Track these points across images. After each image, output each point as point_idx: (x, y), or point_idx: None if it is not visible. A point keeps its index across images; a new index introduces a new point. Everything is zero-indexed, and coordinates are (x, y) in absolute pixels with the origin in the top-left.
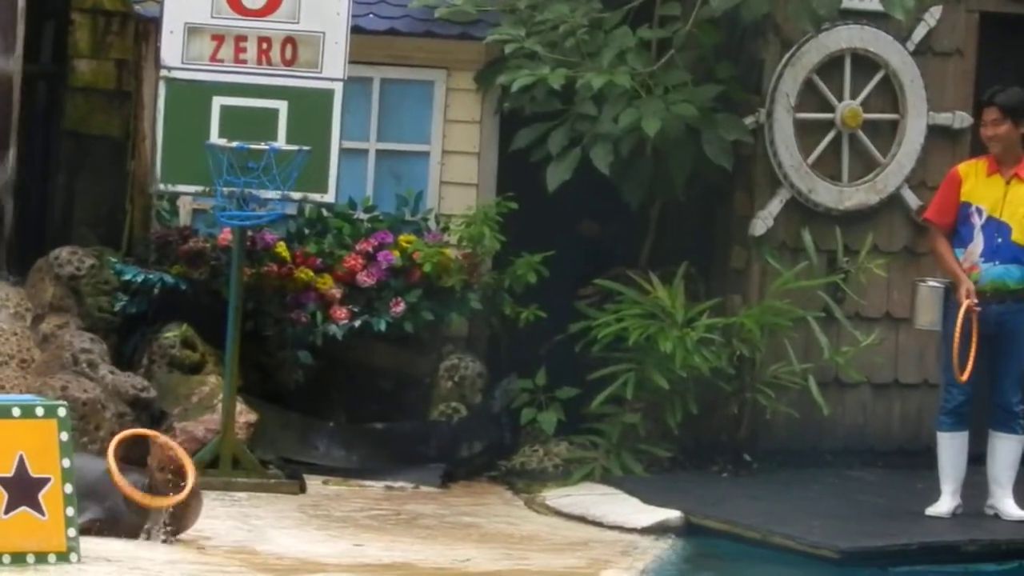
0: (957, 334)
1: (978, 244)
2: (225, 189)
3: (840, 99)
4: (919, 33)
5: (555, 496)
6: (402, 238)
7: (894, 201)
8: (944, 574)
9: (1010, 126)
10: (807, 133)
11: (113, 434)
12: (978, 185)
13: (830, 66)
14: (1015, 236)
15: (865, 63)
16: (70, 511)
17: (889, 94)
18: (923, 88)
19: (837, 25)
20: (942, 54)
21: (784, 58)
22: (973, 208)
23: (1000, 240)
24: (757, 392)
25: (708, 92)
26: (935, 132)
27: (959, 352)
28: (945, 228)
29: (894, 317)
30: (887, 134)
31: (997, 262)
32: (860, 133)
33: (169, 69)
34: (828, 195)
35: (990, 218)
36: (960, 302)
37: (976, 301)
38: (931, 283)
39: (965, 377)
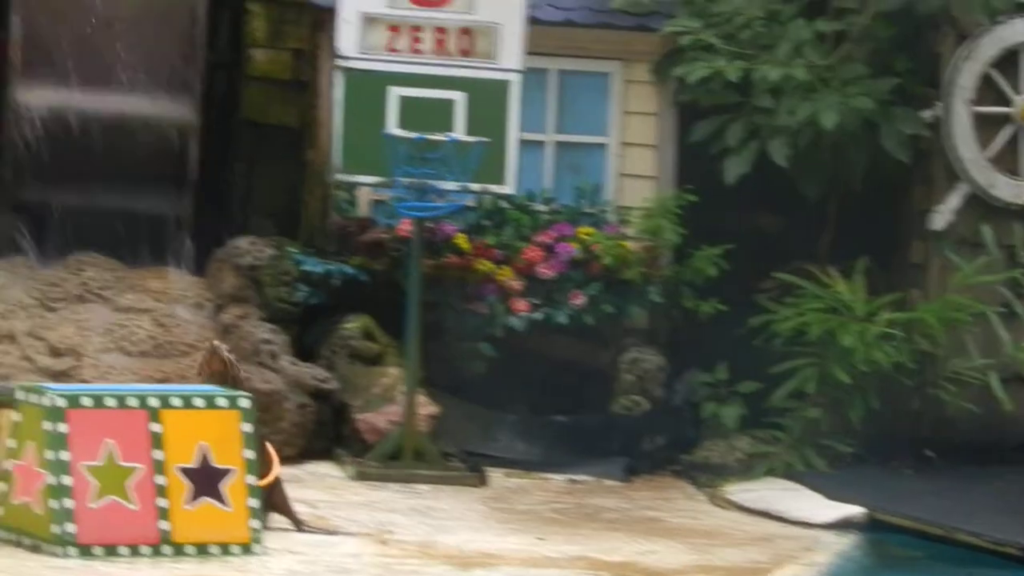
0: None
1: None
2: (404, 180)
3: (1018, 92)
4: None
5: (737, 491)
6: (581, 230)
7: None
8: None
9: None
10: (985, 127)
11: (295, 425)
12: None
13: (1007, 59)
14: None
15: None
16: (253, 502)
17: None
18: None
19: (1014, 18)
20: None
21: (960, 51)
22: None
23: None
24: (938, 388)
25: (885, 85)
26: None
27: None
28: None
29: None
30: None
31: None
32: None
33: (346, 59)
34: (1008, 190)
35: None
36: None
37: None
38: None
39: None
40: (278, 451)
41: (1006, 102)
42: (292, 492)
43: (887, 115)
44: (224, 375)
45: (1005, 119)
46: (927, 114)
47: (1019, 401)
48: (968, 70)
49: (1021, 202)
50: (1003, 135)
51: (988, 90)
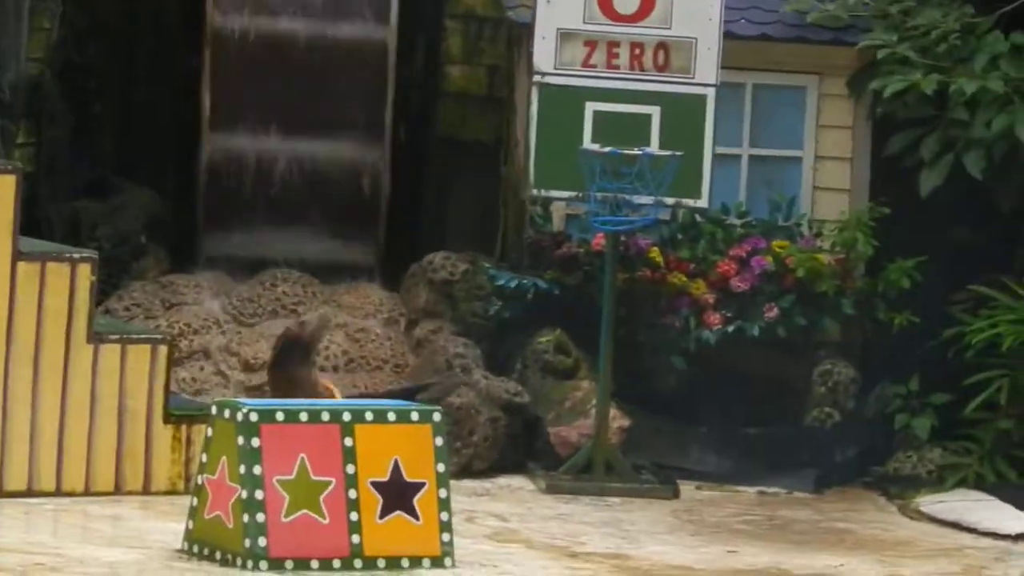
0: None
1: None
2: (599, 194)
3: None
4: None
5: (929, 502)
6: (775, 243)
7: None
8: None
9: None
10: None
11: (487, 439)
12: None
13: None
14: None
15: None
16: (444, 516)
17: None
18: None
19: None
20: None
21: None
22: None
23: None
24: None
25: None
26: None
27: None
28: None
29: None
30: None
31: None
32: None
33: (542, 74)
34: None
35: None
36: None
37: None
38: None
39: None
40: (470, 467)
41: None
42: (484, 506)
43: None
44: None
45: None
46: None
47: None
48: None
49: None
50: None
51: None
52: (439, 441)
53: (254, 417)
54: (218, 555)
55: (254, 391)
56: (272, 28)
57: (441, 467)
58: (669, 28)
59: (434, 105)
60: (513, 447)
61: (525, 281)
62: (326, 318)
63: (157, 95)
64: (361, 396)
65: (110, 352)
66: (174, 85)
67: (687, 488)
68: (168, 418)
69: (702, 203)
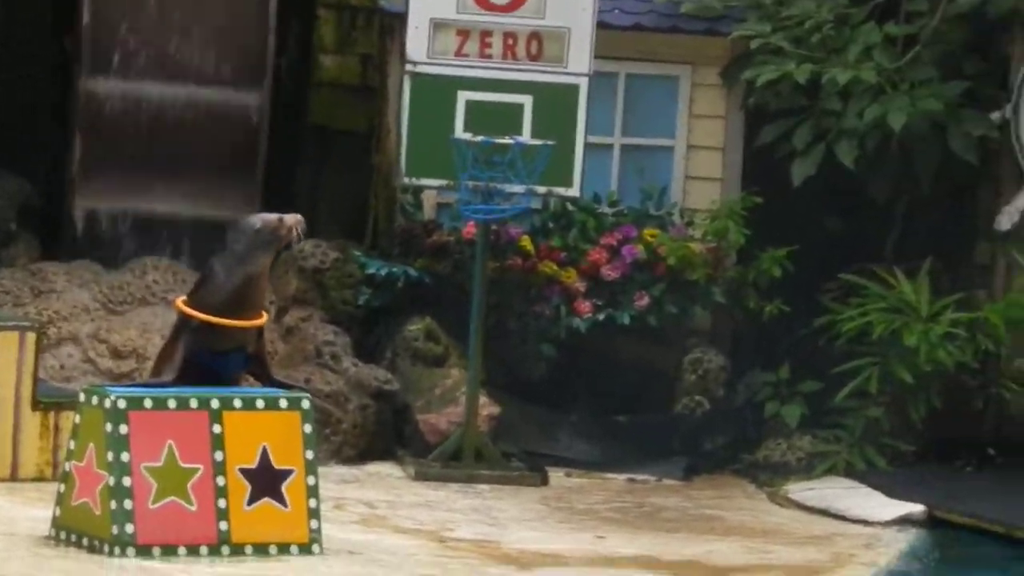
0: None
1: None
2: (470, 183)
3: None
4: None
5: (798, 489)
6: (646, 232)
7: None
8: None
9: None
10: None
11: (356, 426)
12: None
13: None
14: None
15: None
16: (313, 503)
17: None
18: None
19: None
20: None
21: None
22: None
23: None
24: (1001, 387)
25: (954, 88)
26: None
27: None
28: None
29: None
30: None
31: None
32: None
33: (415, 64)
34: None
35: None
36: None
37: None
38: None
39: None
40: (340, 454)
41: None
42: (353, 493)
43: (955, 117)
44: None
45: None
46: (996, 116)
47: None
48: None
49: None
50: None
51: None
52: (308, 428)
53: (122, 404)
54: (85, 542)
55: (123, 378)
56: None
57: (310, 454)
58: (543, 18)
59: (306, 94)
60: (382, 434)
61: (395, 269)
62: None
63: (27, 80)
64: None
65: None
66: (46, 68)
67: (556, 475)
68: (36, 405)
69: (573, 192)
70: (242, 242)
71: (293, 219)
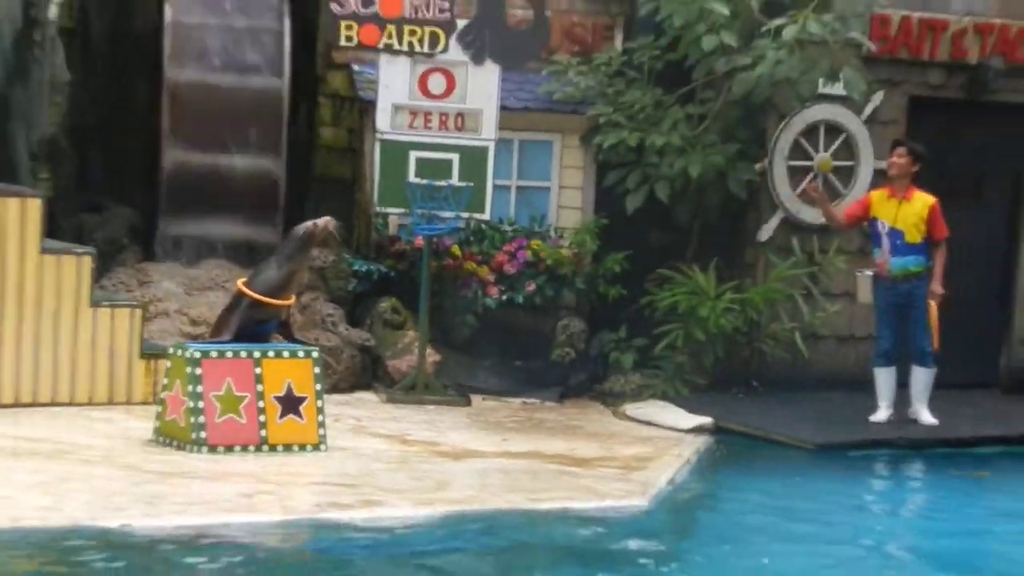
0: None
1: (886, 246)
2: (419, 211)
3: (817, 152)
4: (869, 109)
5: (631, 408)
6: (533, 243)
7: None
8: (882, 458)
9: (908, 160)
10: (795, 174)
11: (347, 369)
12: (880, 206)
13: (810, 130)
14: (908, 238)
15: (833, 128)
16: (320, 418)
17: (848, 149)
18: (871, 145)
19: (814, 104)
20: (883, 122)
21: (780, 125)
22: (879, 222)
23: (899, 241)
24: (761, 342)
25: (731, 148)
26: (877, 173)
27: (880, 318)
28: (848, 217)
29: (850, 294)
30: (846, 175)
31: (900, 256)
32: (830, 175)
33: (382, 133)
34: (809, 215)
35: (891, 228)
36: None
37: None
38: (864, 272)
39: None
40: (337, 387)
41: (809, 158)
42: (345, 411)
43: (732, 168)
44: (327, 240)
45: (808, 169)
46: (758, 166)
47: (813, 351)
48: (785, 138)
49: (817, 223)
50: (807, 180)
51: (798, 151)
52: (317, 370)
53: (197, 354)
54: (174, 444)
55: (197, 338)
56: (204, 80)
57: (318, 387)
58: (464, 103)
59: (312, 154)
60: (364, 374)
61: (371, 267)
62: (331, 220)
63: (133, 144)
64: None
65: (104, 314)
66: (145, 138)
67: (476, 400)
68: (142, 355)
69: (485, 216)
70: (289, 246)
71: (324, 221)
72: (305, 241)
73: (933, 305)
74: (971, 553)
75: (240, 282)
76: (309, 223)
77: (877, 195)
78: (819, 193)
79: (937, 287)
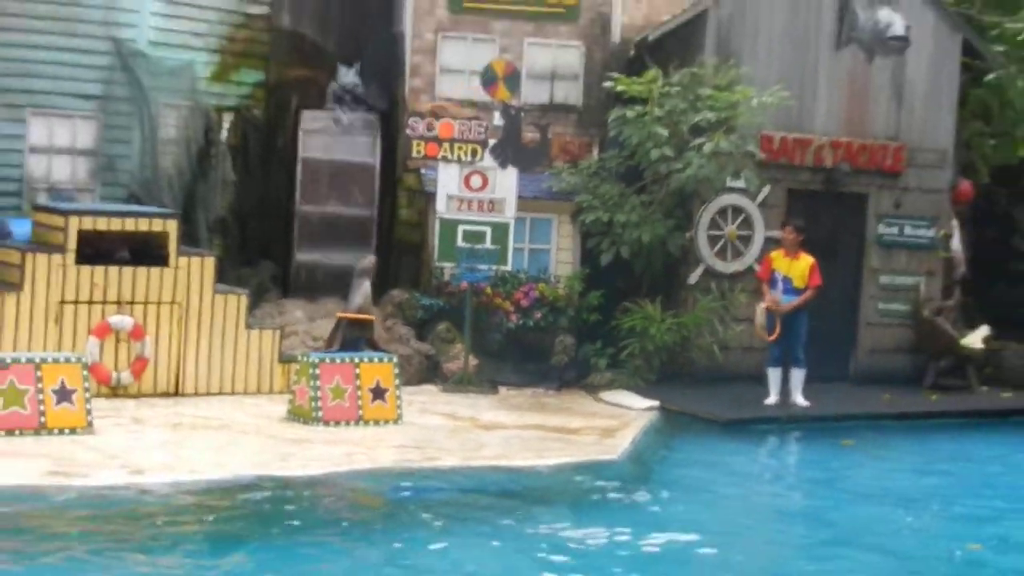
0: (774, 333)
1: (779, 288)
2: (464, 265)
3: (727, 225)
4: (760, 196)
5: (605, 395)
6: (540, 286)
7: (750, 270)
8: (773, 431)
9: (796, 235)
10: (713, 240)
11: (416, 371)
12: (779, 263)
13: (722, 211)
14: (795, 284)
15: (737, 209)
16: (398, 403)
17: (747, 223)
18: (762, 220)
19: (724, 193)
20: (770, 206)
21: (702, 208)
22: (778, 273)
23: (788, 285)
24: (692, 352)
25: (670, 223)
26: (767, 240)
27: (771, 333)
28: (764, 279)
29: (750, 320)
30: (746, 240)
31: (788, 295)
32: (736, 241)
33: (440, 214)
34: (723, 266)
35: (784, 276)
36: (767, 304)
37: (777, 302)
38: (761, 305)
39: (773, 337)
40: (409, 381)
41: (721, 228)
42: (415, 399)
43: (671, 236)
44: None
45: (721, 237)
46: (688, 235)
47: (726, 357)
48: (706, 216)
49: (728, 272)
50: (719, 243)
51: (714, 224)
52: (396, 370)
53: (316, 360)
54: (300, 419)
55: (316, 350)
56: (320, 158)
57: (397, 381)
58: (494, 194)
59: (393, 229)
60: (427, 373)
61: (433, 302)
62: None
63: (277, 217)
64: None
65: (255, 334)
66: (283, 210)
67: (502, 390)
68: (280, 361)
69: (508, 268)
70: (353, 278)
71: (370, 258)
72: (362, 271)
73: (761, 307)
74: (831, 480)
75: (337, 313)
76: (366, 257)
77: (776, 255)
78: (773, 303)
79: (784, 306)
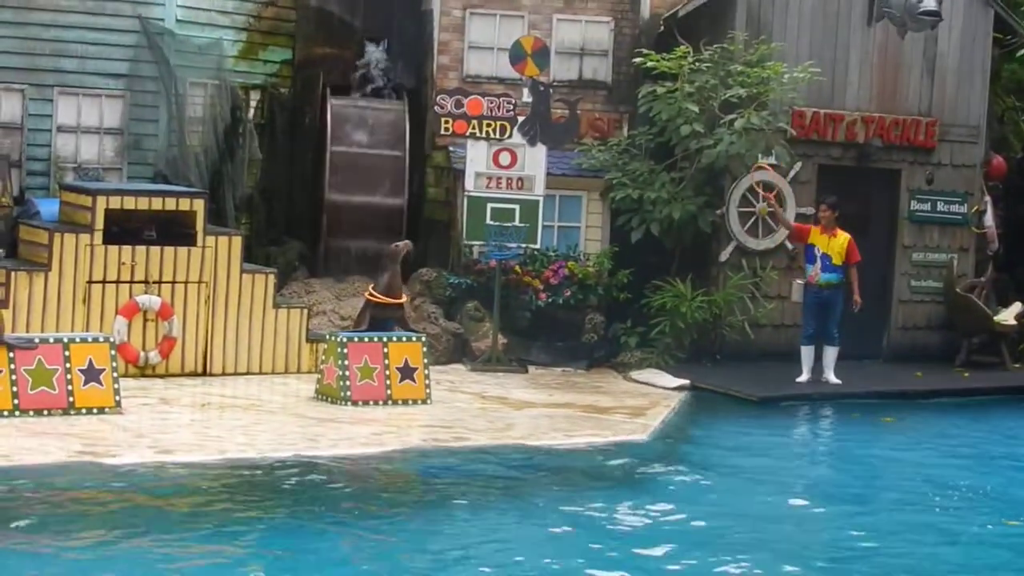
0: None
1: (819, 265)
2: (493, 243)
3: (757, 201)
4: (791, 173)
5: (636, 374)
6: (569, 263)
7: (781, 246)
8: (805, 406)
9: (831, 212)
10: (743, 217)
11: (445, 348)
12: (816, 238)
13: (753, 187)
14: (834, 261)
15: (770, 186)
16: (427, 381)
17: (779, 200)
18: (793, 197)
19: (755, 170)
20: (802, 182)
21: (733, 184)
22: (816, 248)
23: (827, 262)
24: (723, 329)
25: (700, 200)
26: (799, 216)
27: (806, 312)
28: (797, 228)
29: (784, 296)
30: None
31: (826, 272)
32: (767, 217)
33: (468, 191)
34: (754, 243)
35: (823, 253)
36: (781, 222)
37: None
38: (798, 281)
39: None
40: (438, 360)
41: (752, 206)
42: (444, 377)
43: (701, 213)
44: (405, 256)
45: (752, 214)
46: (719, 211)
47: (757, 334)
48: (736, 192)
49: (760, 248)
50: (751, 220)
51: (745, 200)
52: (424, 349)
53: (344, 339)
54: (329, 399)
55: (344, 329)
56: (350, 150)
57: (425, 360)
58: (523, 170)
59: (421, 207)
60: (456, 352)
61: (461, 280)
62: (409, 244)
63: (304, 196)
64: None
65: (282, 313)
66: (311, 190)
67: (532, 369)
68: (308, 340)
69: (537, 246)
70: (385, 260)
71: (404, 243)
72: (393, 256)
73: (798, 283)
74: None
75: (366, 293)
76: (395, 244)
77: (815, 230)
78: (773, 203)
79: (857, 298)
